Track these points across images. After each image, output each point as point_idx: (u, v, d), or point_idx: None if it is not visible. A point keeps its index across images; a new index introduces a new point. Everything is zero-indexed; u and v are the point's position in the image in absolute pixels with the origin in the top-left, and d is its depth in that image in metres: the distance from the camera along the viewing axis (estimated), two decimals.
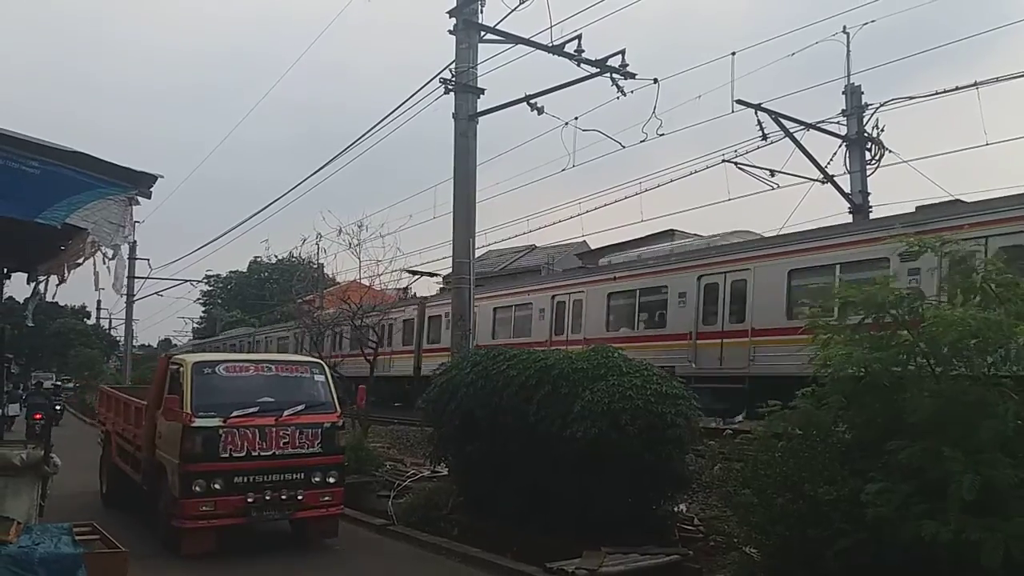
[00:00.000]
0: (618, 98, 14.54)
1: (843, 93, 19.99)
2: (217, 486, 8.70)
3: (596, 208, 33.61)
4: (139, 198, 5.83)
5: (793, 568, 6.06)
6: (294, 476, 9.11)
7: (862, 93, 19.93)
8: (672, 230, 23.11)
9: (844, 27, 19.45)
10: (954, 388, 5.68)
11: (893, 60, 24.78)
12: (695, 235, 23.18)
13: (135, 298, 43.51)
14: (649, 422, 8.21)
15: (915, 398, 5.70)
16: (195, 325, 71.86)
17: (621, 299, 19.62)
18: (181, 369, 9.54)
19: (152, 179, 5.84)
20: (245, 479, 8.84)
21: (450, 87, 14.50)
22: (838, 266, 14.26)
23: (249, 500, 8.79)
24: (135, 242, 34.86)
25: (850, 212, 19.34)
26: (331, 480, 9.40)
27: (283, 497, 8.97)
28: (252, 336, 45.92)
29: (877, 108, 19.40)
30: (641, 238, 23.22)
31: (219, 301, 72.04)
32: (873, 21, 18.98)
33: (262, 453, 8.95)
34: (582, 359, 9.27)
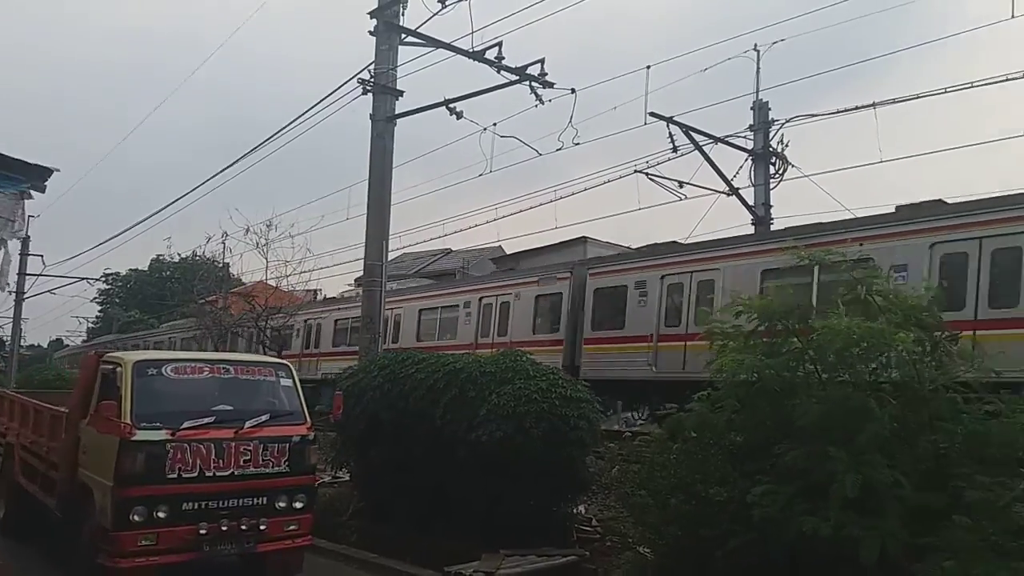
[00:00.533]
0: (536, 106, 14.76)
1: (751, 109, 20.82)
2: (161, 514, 7.20)
3: (512, 213, 33.84)
4: (32, 192, 5.61)
5: (684, 567, 6.28)
6: (256, 501, 7.67)
7: (769, 109, 20.79)
8: (585, 237, 23.52)
9: (755, 45, 20.29)
10: (838, 394, 5.99)
11: (800, 79, 26.03)
12: (608, 243, 23.70)
13: (25, 296, 41.36)
14: (553, 425, 8.36)
15: (803, 403, 5.97)
16: (90, 325, 68.80)
17: (429, 314, 23.72)
18: (118, 369, 7.99)
19: (47, 173, 5.64)
20: (197, 505, 7.38)
21: (368, 88, 14.42)
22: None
23: (201, 532, 7.31)
24: (28, 237, 33.27)
25: (753, 224, 20.14)
26: (298, 505, 7.96)
27: (243, 527, 7.49)
28: (122, 344, 44.24)
29: (783, 124, 20.30)
30: (554, 244, 23.58)
31: (117, 300, 69.18)
32: (783, 40, 19.88)
33: (218, 473, 7.51)
34: (491, 363, 9.38)
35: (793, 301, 6.58)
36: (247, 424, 7.81)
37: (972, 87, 16.70)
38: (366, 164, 14.65)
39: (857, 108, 18.22)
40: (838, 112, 18.85)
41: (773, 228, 19.60)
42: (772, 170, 20.39)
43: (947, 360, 6.05)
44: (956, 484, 5.44)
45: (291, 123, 16.62)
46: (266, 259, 24.58)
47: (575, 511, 9.33)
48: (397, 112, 14.74)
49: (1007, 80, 15.54)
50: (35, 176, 5.73)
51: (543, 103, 14.69)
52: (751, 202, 20.38)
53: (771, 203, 20.47)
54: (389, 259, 15.19)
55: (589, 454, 9.12)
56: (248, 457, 7.72)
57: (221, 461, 7.56)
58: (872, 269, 7.83)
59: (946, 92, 17.28)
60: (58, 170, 5.61)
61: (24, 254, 36.76)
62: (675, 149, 19.67)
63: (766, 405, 6.33)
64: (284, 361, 9.33)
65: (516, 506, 8.62)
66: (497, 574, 7.55)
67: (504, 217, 32.80)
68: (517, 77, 14.34)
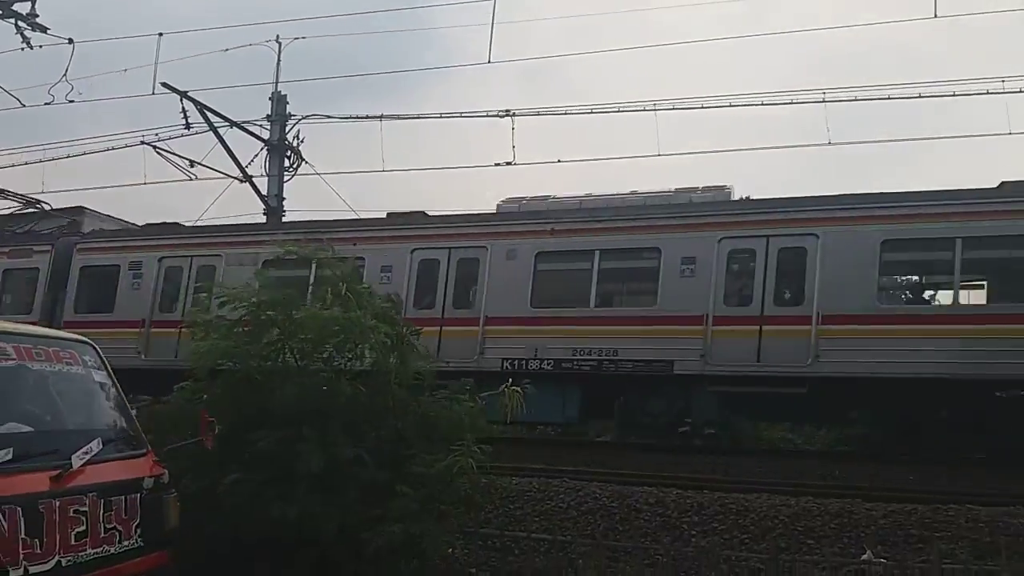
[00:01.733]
0: (23, 49, 13.08)
1: (270, 99, 20.80)
2: None
3: None
4: None
5: None
6: None
7: (287, 103, 20.99)
8: (82, 207, 21.16)
9: (277, 36, 20.34)
10: (314, 380, 6.43)
11: (318, 78, 26.88)
12: (109, 216, 21.66)
13: None
14: None
15: (282, 390, 6.25)
16: None
17: None
18: None
19: None
20: None
21: None
22: None
23: None
24: None
25: (265, 213, 20.16)
26: None
27: None
28: None
29: (299, 120, 20.66)
30: (46, 212, 20.75)
31: None
32: (304, 38, 20.30)
33: (33, 569, 3.85)
34: None
35: (281, 294, 6.79)
36: (76, 459, 4.22)
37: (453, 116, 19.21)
38: None
39: (367, 117, 19.51)
40: (349, 118, 19.91)
41: (285, 220, 19.90)
42: (287, 163, 20.67)
43: (409, 353, 6.83)
44: (407, 461, 6.22)
45: None
46: None
47: None
48: None
49: (487, 116, 18.23)
50: None
51: (32, 48, 13.22)
52: (264, 191, 20.39)
53: (284, 195, 20.73)
54: None
55: None
56: (83, 528, 4.17)
57: (38, 542, 3.90)
58: (358, 267, 8.55)
59: (442, 117, 19.90)
60: None
61: None
62: (188, 126, 18.84)
63: (247, 393, 6.44)
64: (83, 337, 5.33)
65: None
66: None
67: None
68: (0, 12, 12.52)
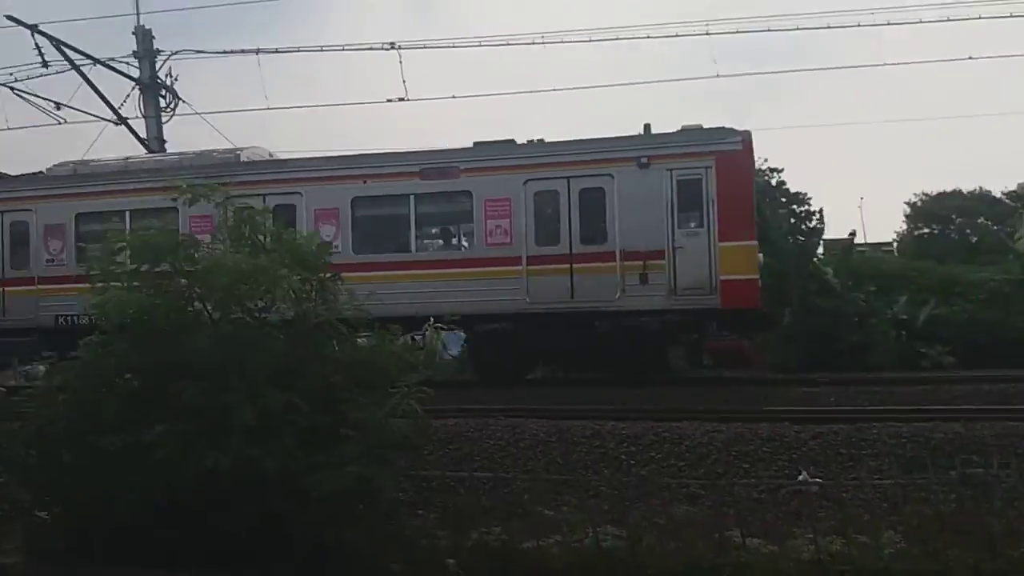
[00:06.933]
0: None
1: (133, 34, 19.84)
2: None
3: None
4: None
5: (90, 522, 6.21)
6: None
7: (153, 37, 20.03)
8: None
9: None
10: (230, 330, 6.53)
11: (183, 8, 25.74)
12: None
13: None
14: None
15: (197, 341, 6.34)
16: None
17: None
18: None
19: None
20: None
21: None
22: None
23: None
24: None
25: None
26: None
27: None
28: None
29: (169, 56, 19.80)
30: None
31: None
32: None
33: None
34: None
35: (176, 238, 6.89)
36: None
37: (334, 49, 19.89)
38: None
39: (244, 51, 19.06)
40: (224, 53, 19.42)
41: None
42: (163, 103, 19.83)
43: (332, 299, 7.00)
44: (343, 407, 6.40)
45: None
46: None
47: None
48: None
49: (370, 49, 18.22)
50: None
51: None
52: (143, 134, 19.56)
53: (165, 137, 19.91)
54: None
55: None
56: None
57: None
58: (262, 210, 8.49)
59: (322, 50, 21.32)
60: None
61: None
62: (46, 64, 17.91)
63: (158, 346, 6.44)
64: None
65: None
66: None
67: None
68: None
